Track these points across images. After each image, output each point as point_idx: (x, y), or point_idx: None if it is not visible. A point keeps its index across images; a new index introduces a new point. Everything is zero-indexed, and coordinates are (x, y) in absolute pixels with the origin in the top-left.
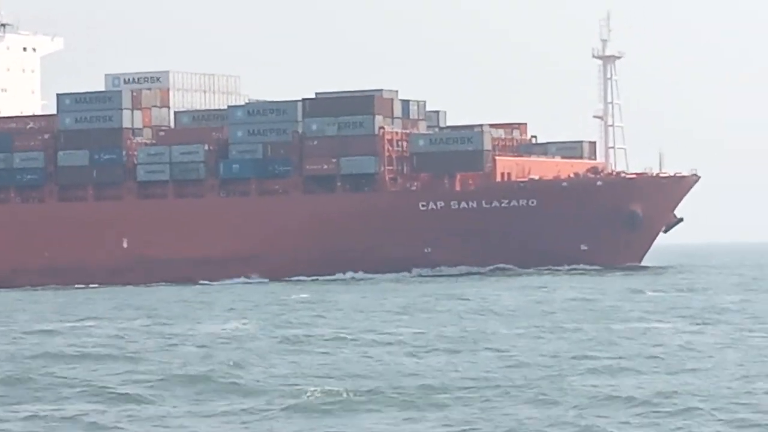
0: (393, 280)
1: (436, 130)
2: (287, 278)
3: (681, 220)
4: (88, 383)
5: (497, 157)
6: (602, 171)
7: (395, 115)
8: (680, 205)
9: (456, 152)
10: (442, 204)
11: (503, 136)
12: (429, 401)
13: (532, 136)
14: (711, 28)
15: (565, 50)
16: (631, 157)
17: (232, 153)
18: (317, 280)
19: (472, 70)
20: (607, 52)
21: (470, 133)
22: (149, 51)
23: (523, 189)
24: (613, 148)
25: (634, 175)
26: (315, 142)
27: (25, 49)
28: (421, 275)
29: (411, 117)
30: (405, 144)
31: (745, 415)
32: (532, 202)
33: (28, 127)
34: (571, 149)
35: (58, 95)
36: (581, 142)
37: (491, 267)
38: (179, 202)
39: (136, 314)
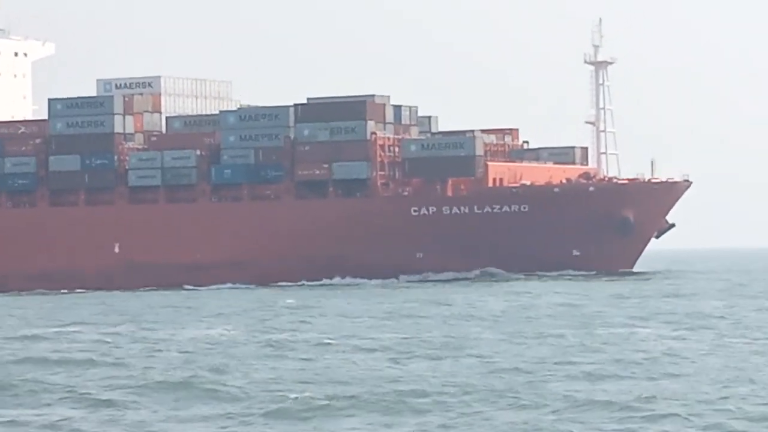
0: (381, 285)
1: (428, 135)
2: (279, 283)
3: (673, 225)
4: (70, 389)
5: (489, 163)
6: (594, 177)
7: (387, 121)
8: (672, 211)
9: (448, 158)
10: (434, 209)
11: (495, 142)
12: (408, 407)
13: (524, 142)
14: (703, 34)
15: (557, 56)
16: (623, 162)
17: (223, 158)
18: (309, 285)
19: (463, 76)
20: (599, 58)
21: (462, 138)
22: (141, 56)
23: (515, 194)
24: (605, 153)
25: (626, 181)
26: (307, 148)
27: (16, 54)
28: (408, 281)
29: (403, 122)
30: (397, 149)
31: (722, 421)
32: (524, 208)
33: (20, 132)
34: (563, 155)
35: (49, 100)
36: (573, 147)
37: (480, 272)
38: (171, 208)
39: (121, 319)
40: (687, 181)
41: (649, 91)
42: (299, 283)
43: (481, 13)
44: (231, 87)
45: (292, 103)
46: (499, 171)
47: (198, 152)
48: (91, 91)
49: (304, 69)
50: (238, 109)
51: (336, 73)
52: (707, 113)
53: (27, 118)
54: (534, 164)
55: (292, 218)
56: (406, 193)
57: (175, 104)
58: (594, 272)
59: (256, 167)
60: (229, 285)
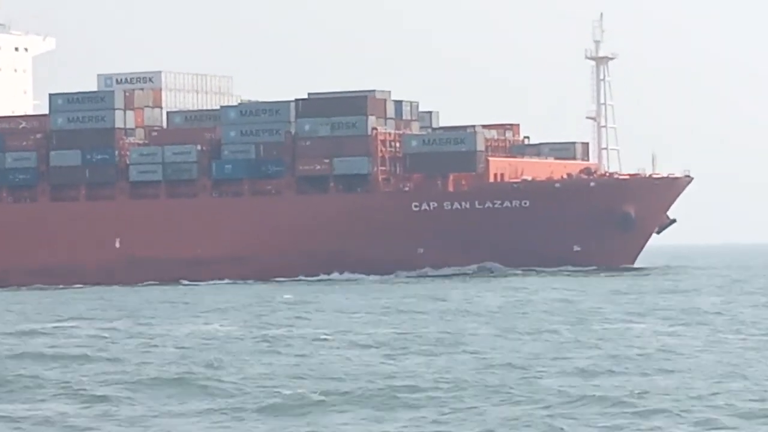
0: (379, 281)
1: (429, 130)
2: (279, 279)
3: (674, 221)
4: (65, 384)
5: (490, 158)
6: (595, 172)
7: (388, 116)
8: (673, 207)
9: (449, 153)
10: (435, 205)
11: (496, 137)
12: (402, 402)
13: (525, 137)
14: (704, 29)
15: (558, 51)
16: (624, 158)
17: (224, 153)
18: (307, 281)
19: (464, 71)
20: (600, 53)
21: (463, 133)
22: (142, 51)
23: (516, 190)
24: (606, 149)
25: (627, 176)
26: (308, 143)
27: (17, 49)
28: (407, 276)
29: (404, 117)
30: (398, 144)
31: (713, 417)
32: (525, 203)
33: (21, 127)
34: (564, 150)
35: (50, 95)
36: (574, 143)
37: (477, 267)
38: (172, 203)
39: (118, 315)
40: (688, 176)
41: (650, 86)
42: (299, 279)
43: (482, 9)
44: (232, 82)
45: (292, 99)
46: (500, 166)
47: (199, 147)
48: (91, 86)
49: (305, 64)
50: (239, 104)
51: (337, 69)
52: (708, 108)
53: (28, 113)
54: (535, 159)
55: (292, 213)
56: (407, 189)
57: (176, 99)
58: (594, 268)
59: (256, 162)
60: (226, 280)
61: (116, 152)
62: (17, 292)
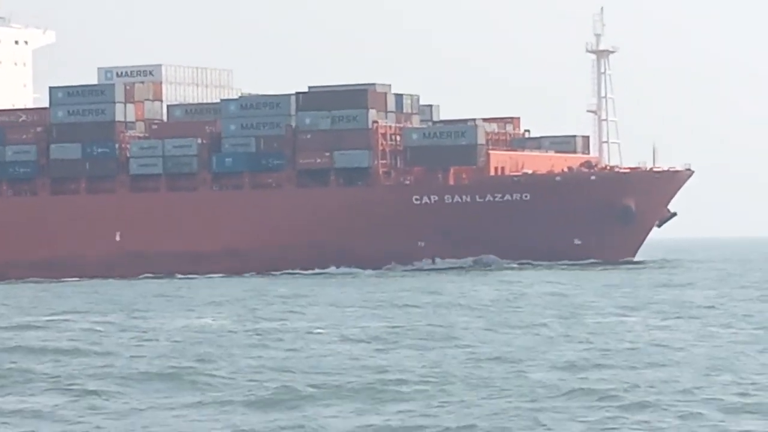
0: (375, 275)
1: (430, 124)
2: (279, 272)
3: (674, 214)
4: (56, 378)
5: (491, 152)
6: (596, 165)
7: (389, 109)
8: (674, 200)
9: (450, 146)
10: (436, 198)
11: (496, 131)
12: (390, 395)
13: (526, 131)
14: (704, 23)
15: (558, 45)
16: (624, 151)
17: (225, 147)
18: (304, 274)
19: (465, 64)
20: (601, 47)
21: (464, 127)
22: (142, 44)
23: (517, 183)
24: (606, 142)
25: (627, 170)
26: (308, 136)
27: (17, 42)
28: (404, 270)
29: (404, 111)
30: (398, 138)
31: (701, 411)
32: (526, 197)
33: (21, 120)
34: (564, 143)
35: (50, 88)
36: (575, 136)
37: (472, 261)
38: (172, 196)
39: (113, 308)
40: (689, 170)
41: (650, 80)
42: (296, 272)
43: (483, 3)
44: (232, 75)
45: (293, 92)
46: (500, 160)
47: (199, 141)
48: (92, 79)
49: (306, 57)
50: (240, 97)
51: (337, 62)
52: (708, 102)
53: (28, 107)
54: (536, 153)
55: (293, 207)
56: (407, 182)
57: (176, 92)
58: (594, 261)
59: (257, 156)
60: (220, 274)
61: (116, 145)
62: (13, 285)
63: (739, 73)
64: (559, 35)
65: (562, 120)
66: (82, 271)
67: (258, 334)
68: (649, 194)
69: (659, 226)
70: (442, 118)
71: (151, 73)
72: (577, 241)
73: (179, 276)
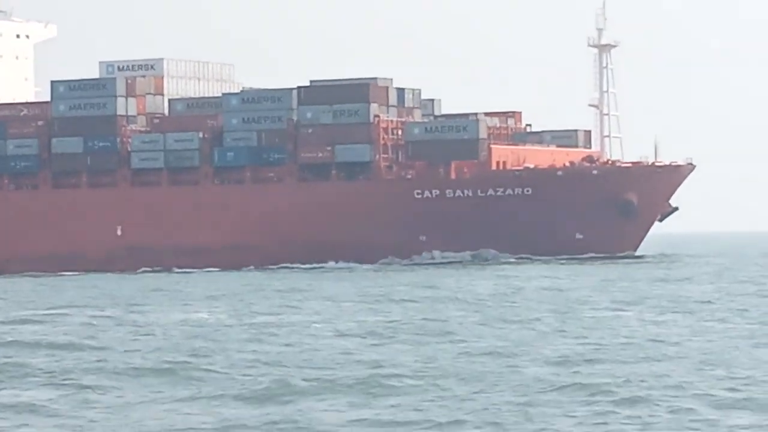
0: (373, 269)
1: (431, 118)
2: (281, 266)
3: (676, 209)
4: (51, 372)
5: (492, 146)
6: (597, 160)
7: (390, 104)
8: (675, 195)
9: (451, 141)
10: (437, 192)
11: (498, 125)
12: (382, 389)
13: (527, 125)
14: (707, 16)
15: (560, 39)
16: (626, 146)
17: (226, 141)
18: (303, 268)
19: (467, 58)
20: (603, 41)
21: (466, 121)
22: (143, 38)
23: (519, 177)
24: (608, 136)
25: (629, 164)
26: (310, 130)
27: (18, 36)
28: (404, 264)
29: (406, 105)
30: (400, 132)
31: (692, 406)
32: (528, 191)
33: (22, 114)
34: (566, 138)
35: (52, 82)
36: (576, 130)
37: (470, 255)
38: (173, 190)
39: (110, 303)
40: (690, 164)
41: (652, 74)
42: (294, 267)
43: None
44: (234, 69)
45: (295, 86)
46: (502, 154)
47: (201, 135)
48: (93, 73)
49: (307, 51)
50: (241, 91)
51: (339, 56)
52: (711, 96)
53: (29, 101)
54: (537, 147)
55: (294, 201)
56: (409, 176)
57: (178, 87)
58: (595, 255)
59: (258, 150)
60: (217, 269)
61: (118, 139)
62: (10, 279)
63: (742, 69)
64: (560, 29)
65: (564, 114)
66: (84, 265)
67: (254, 329)
68: (650, 189)
69: (661, 220)
70: (444, 112)
71: (152, 67)
72: (578, 236)
73: (176, 270)
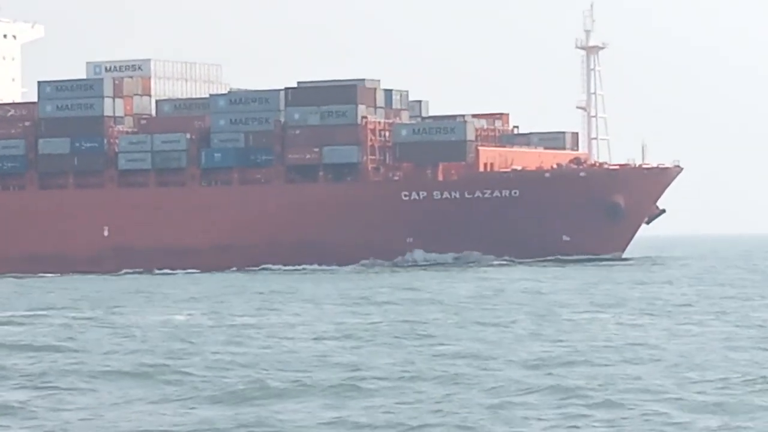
0: (354, 270)
1: (419, 120)
2: (263, 267)
3: (663, 211)
4: (28, 375)
5: (480, 148)
6: (585, 162)
7: (378, 105)
8: (663, 197)
9: (439, 142)
10: (425, 194)
11: (485, 127)
12: (356, 390)
13: (515, 127)
14: (695, 18)
15: (547, 41)
16: (613, 148)
17: (213, 142)
18: (285, 270)
19: (454, 60)
20: (591, 43)
21: (453, 123)
22: (131, 39)
23: (506, 179)
24: (595, 138)
25: (616, 167)
26: (297, 132)
27: (5, 36)
28: (383, 266)
29: (394, 107)
30: (388, 134)
31: (663, 410)
32: (515, 193)
33: (9, 114)
34: (553, 140)
35: (39, 83)
36: (564, 132)
37: (452, 258)
38: (161, 191)
39: (90, 304)
40: (678, 166)
41: (640, 76)
42: (276, 268)
43: None
44: (221, 70)
45: (282, 87)
46: (489, 156)
47: (188, 136)
48: (80, 73)
49: (295, 53)
50: (228, 92)
51: (327, 57)
52: (698, 98)
53: (16, 101)
54: (525, 149)
55: (282, 202)
56: (396, 178)
57: (165, 87)
58: (583, 257)
59: (246, 151)
60: (205, 270)
61: (105, 140)
62: None
63: (729, 71)
64: (548, 31)
65: (551, 116)
66: (70, 266)
67: (232, 331)
68: (638, 191)
69: (648, 223)
70: (432, 114)
71: (139, 67)
72: (565, 238)
73: (156, 271)
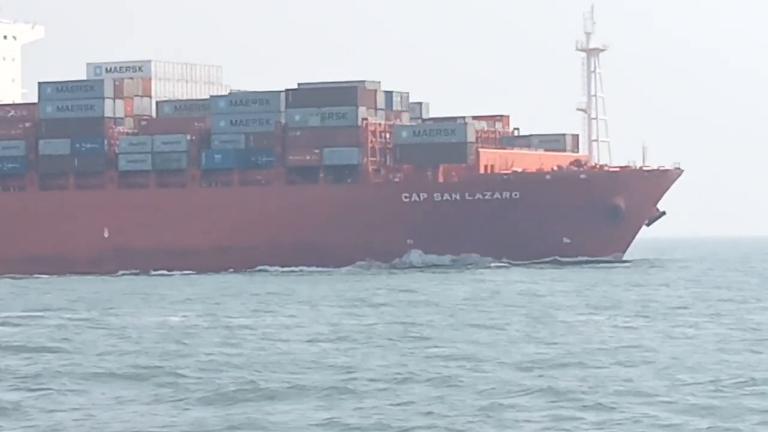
0: (351, 272)
1: (420, 121)
2: (259, 269)
3: (664, 213)
4: (22, 376)
5: (480, 149)
6: (585, 164)
7: (378, 107)
8: (663, 199)
9: (439, 144)
10: (425, 196)
11: (486, 128)
12: (348, 392)
13: (515, 129)
14: (695, 21)
15: (548, 43)
16: (614, 150)
17: (214, 143)
18: (283, 271)
19: (455, 62)
20: (591, 45)
21: (454, 125)
22: (131, 40)
23: (507, 181)
24: (596, 141)
25: (617, 169)
26: (298, 133)
27: (5, 37)
28: (381, 268)
29: (394, 108)
30: (388, 135)
31: (654, 413)
32: (515, 195)
33: (9, 115)
34: (554, 142)
35: (39, 84)
36: (564, 134)
37: (450, 260)
38: (161, 192)
39: (87, 305)
40: (678, 169)
41: (640, 78)
42: (274, 269)
43: (473, 1)
44: (221, 71)
45: (283, 88)
46: (490, 158)
47: (188, 137)
48: (81, 74)
49: (296, 54)
50: (229, 93)
51: (327, 59)
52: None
53: (16, 102)
54: (525, 151)
55: (282, 204)
56: (397, 180)
57: (166, 89)
58: (579, 260)
59: (246, 152)
60: (205, 271)
61: (105, 141)
62: None
63: (729, 72)
64: (549, 33)
65: (552, 118)
66: (71, 267)
67: (227, 332)
68: (638, 193)
69: (648, 225)
70: (432, 115)
71: (140, 69)
72: (566, 240)
73: (153, 272)
